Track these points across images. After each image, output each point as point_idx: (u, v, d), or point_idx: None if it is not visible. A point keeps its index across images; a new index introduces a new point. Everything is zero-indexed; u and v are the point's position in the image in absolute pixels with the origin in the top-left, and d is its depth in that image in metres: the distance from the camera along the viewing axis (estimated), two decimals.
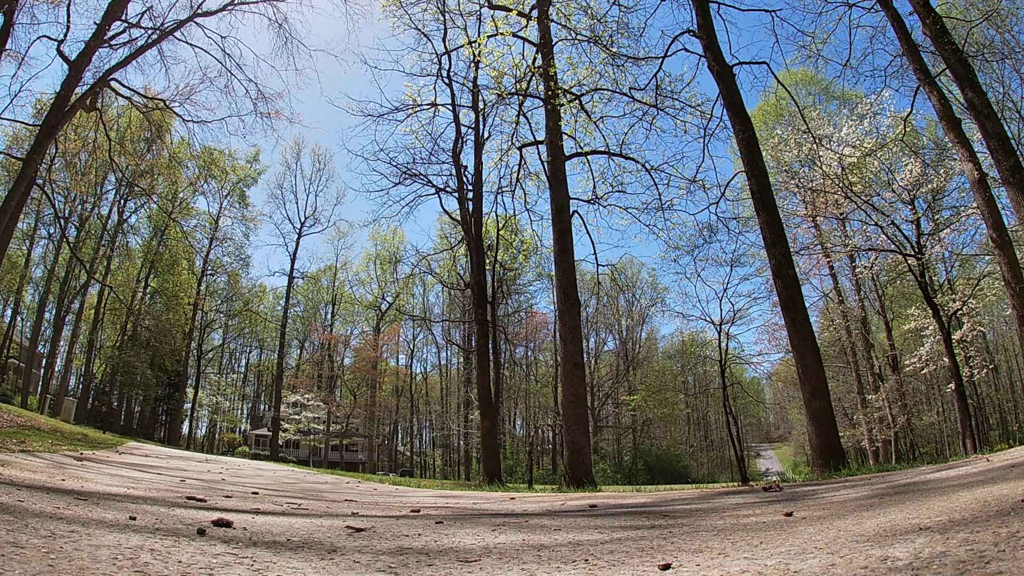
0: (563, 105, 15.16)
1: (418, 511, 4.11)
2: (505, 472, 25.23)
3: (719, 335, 9.90)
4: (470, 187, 19.11)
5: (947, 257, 20.70)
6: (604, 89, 15.62)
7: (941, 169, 16.34)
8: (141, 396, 42.60)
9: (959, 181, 16.65)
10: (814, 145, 16.52)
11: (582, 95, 15.78)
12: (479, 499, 6.51)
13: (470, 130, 19.58)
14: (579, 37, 15.06)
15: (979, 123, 10.01)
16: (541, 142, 16.63)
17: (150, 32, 16.75)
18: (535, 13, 15.02)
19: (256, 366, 61.39)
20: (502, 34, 15.02)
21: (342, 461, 46.97)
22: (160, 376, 41.46)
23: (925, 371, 22.42)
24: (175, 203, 38.06)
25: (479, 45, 15.41)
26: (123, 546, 1.70)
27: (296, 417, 43.04)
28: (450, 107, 19.00)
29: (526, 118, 17.46)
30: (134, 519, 2.34)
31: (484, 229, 19.26)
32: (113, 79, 16.56)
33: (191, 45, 17.77)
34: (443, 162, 19.48)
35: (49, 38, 15.98)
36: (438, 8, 17.06)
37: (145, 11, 16.61)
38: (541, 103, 15.68)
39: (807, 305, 10.83)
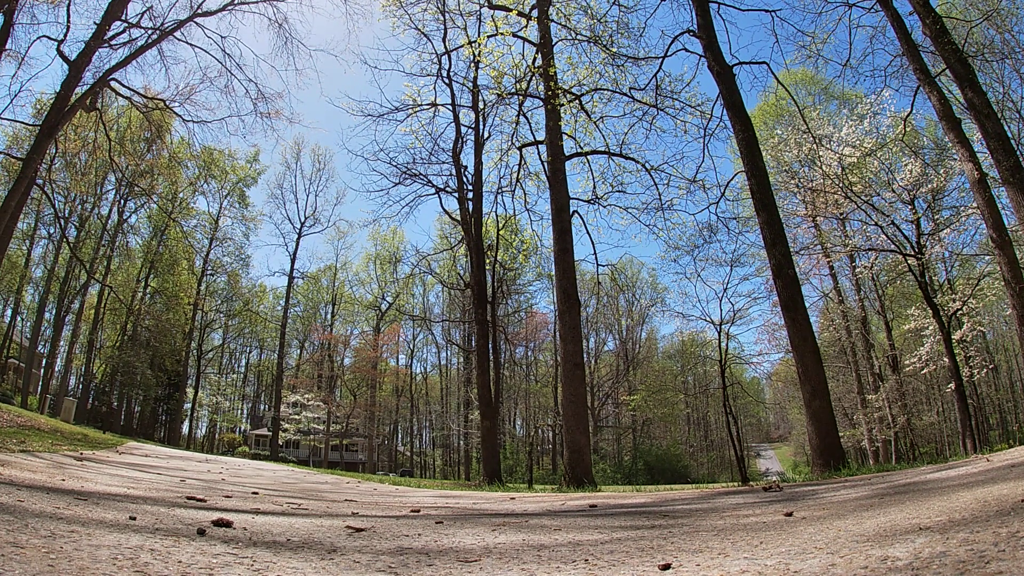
0: (563, 105, 15.16)
1: (418, 511, 4.11)
2: (505, 472, 25.23)
3: (719, 335, 9.91)
4: (470, 187, 19.11)
5: (947, 257, 20.74)
6: (604, 89, 15.63)
7: (941, 169, 16.34)
8: (141, 396, 42.60)
9: (959, 181, 16.66)
10: (814, 145, 16.51)
11: (582, 95, 15.78)
12: (479, 499, 6.51)
13: (470, 130, 19.60)
14: (579, 37, 15.07)
15: (979, 123, 10.01)
16: (541, 142, 16.63)
17: (150, 32, 16.75)
18: (535, 13, 15.02)
19: (256, 366, 61.40)
20: (502, 34, 15.01)
21: (342, 461, 46.97)
22: (160, 376, 41.46)
23: (925, 371, 22.41)
24: (175, 203, 38.05)
25: (479, 45, 15.40)
26: (123, 546, 1.69)
27: (296, 417, 43.04)
28: (450, 107, 19.01)
29: (526, 118, 17.48)
30: (134, 519, 2.34)
31: (484, 229, 19.26)
32: (113, 79, 16.56)
33: (191, 45, 17.79)
34: (443, 162, 19.49)
35: (49, 38, 15.99)
36: (438, 8, 17.07)
37: (145, 11, 16.62)
38: (541, 103, 15.68)
39: (807, 305, 10.83)
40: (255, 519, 2.84)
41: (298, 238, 43.89)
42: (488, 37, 15.62)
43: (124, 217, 37.23)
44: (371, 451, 50.36)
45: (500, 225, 20.65)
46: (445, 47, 17.83)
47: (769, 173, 11.97)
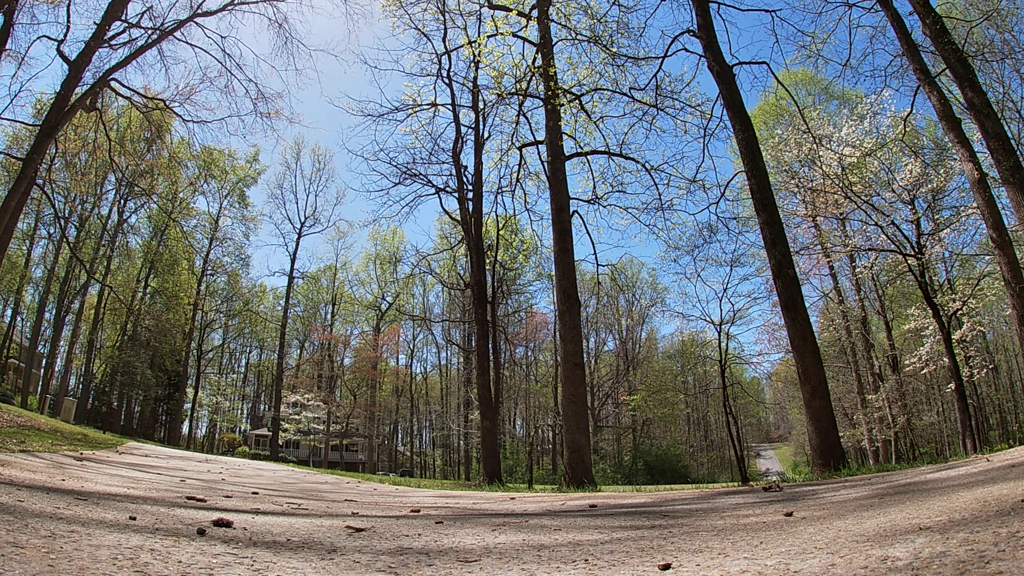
0: (563, 105, 15.16)
1: (418, 511, 4.11)
2: (505, 472, 25.23)
3: (719, 335, 9.90)
4: (470, 187, 19.12)
5: (947, 257, 20.74)
6: (604, 89, 15.64)
7: (941, 169, 16.33)
8: (141, 396, 42.59)
9: (959, 181, 16.66)
10: (814, 145, 16.51)
11: (582, 95, 15.78)
12: (479, 499, 6.51)
13: (470, 130, 19.61)
14: (579, 37, 15.07)
15: (979, 123, 10.01)
16: (541, 142, 16.62)
17: (150, 32, 16.75)
18: (535, 13, 15.02)
19: (256, 366, 61.40)
20: (502, 34, 15.01)
21: (342, 461, 46.98)
22: (160, 376, 41.45)
23: (925, 371, 22.41)
24: (175, 203, 38.05)
25: (479, 45, 15.40)
26: (123, 546, 1.69)
27: (296, 417, 43.04)
28: (450, 107, 19.02)
29: (526, 118, 17.49)
30: (134, 519, 2.34)
31: (484, 229, 19.27)
32: (113, 79, 16.56)
33: (191, 45, 17.79)
34: (443, 162, 19.51)
35: (49, 38, 15.99)
36: (438, 8, 17.07)
37: (145, 11, 16.62)
38: (541, 103, 15.68)
39: (807, 305, 10.83)
40: (255, 519, 2.84)
41: (298, 238, 43.96)
42: (488, 37, 15.63)
43: (124, 217, 37.26)
44: (371, 451, 50.36)
45: (500, 225, 20.66)
46: (445, 47, 17.85)
47: (769, 173, 11.98)
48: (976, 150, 11.24)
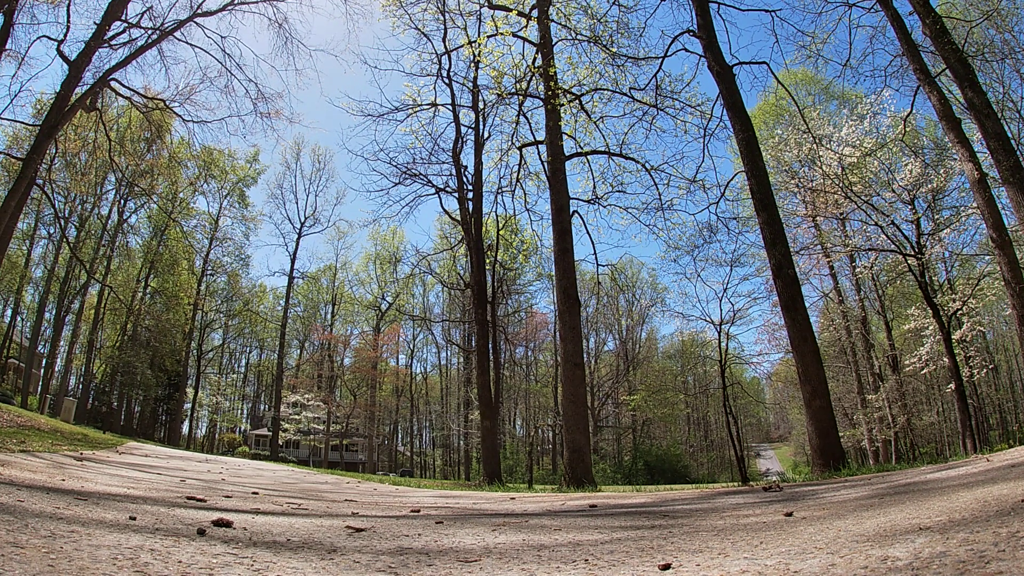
0: (563, 105, 15.15)
1: (418, 511, 4.11)
2: (505, 472, 25.23)
3: (719, 335, 9.90)
4: (470, 187, 19.12)
5: (947, 257, 20.74)
6: (604, 89, 15.63)
7: (941, 169, 16.33)
8: (141, 396, 42.60)
9: (959, 181, 16.66)
10: (814, 145, 16.51)
11: (582, 95, 15.77)
12: (479, 499, 6.51)
13: (470, 130, 19.61)
14: (579, 37, 15.07)
15: (979, 123, 10.01)
16: (541, 142, 16.62)
17: (150, 32, 16.75)
18: (535, 13, 15.02)
19: (256, 366, 61.40)
20: (502, 34, 15.01)
21: (342, 461, 46.97)
22: (160, 376, 41.45)
23: (925, 371, 22.41)
24: (175, 203, 38.05)
25: (479, 45, 15.40)
26: (123, 546, 1.70)
27: (296, 417, 43.04)
28: (450, 107, 19.02)
29: (526, 118, 17.48)
30: (134, 519, 2.34)
31: (484, 229, 19.27)
32: (113, 79, 16.56)
33: (191, 45, 17.79)
34: (443, 162, 19.51)
35: (49, 38, 15.99)
36: (438, 8, 17.07)
37: (145, 11, 16.62)
38: (541, 103, 15.68)
39: (807, 305, 10.83)
40: (255, 519, 2.84)
41: (298, 238, 43.97)
42: (488, 37, 15.63)
43: (124, 217, 37.26)
44: (371, 451, 50.36)
45: (500, 225, 20.65)
46: (445, 47, 17.85)
47: (769, 173, 11.97)
48: (976, 150, 11.24)
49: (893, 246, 15.89)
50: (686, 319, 14.26)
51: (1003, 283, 10.95)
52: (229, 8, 17.54)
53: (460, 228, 20.40)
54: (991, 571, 1.24)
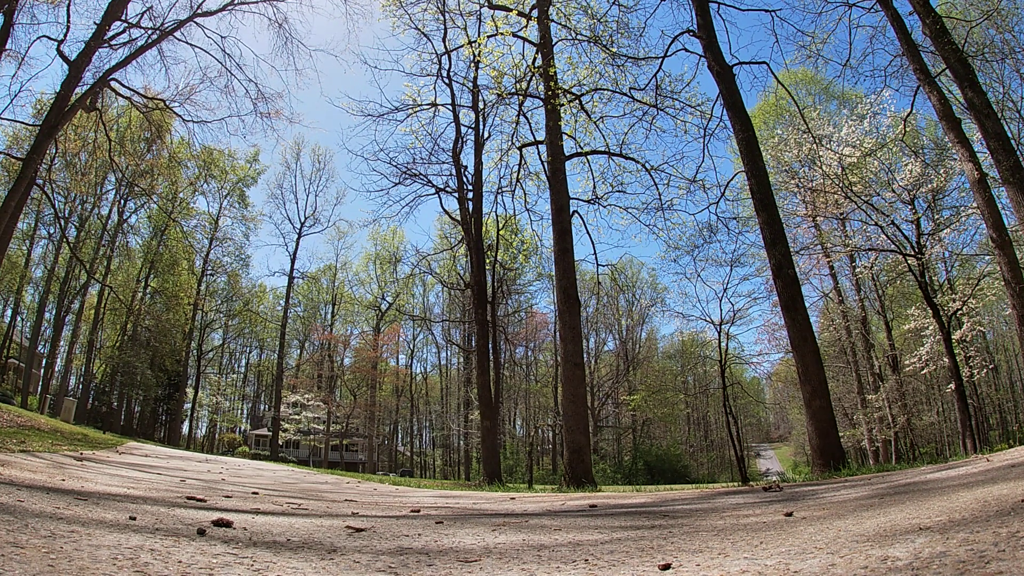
0: (563, 105, 15.15)
1: (418, 511, 4.11)
2: (505, 472, 25.23)
3: (719, 335, 9.90)
4: (470, 187, 19.12)
5: (947, 257, 20.73)
6: (604, 89, 15.63)
7: (941, 169, 16.33)
8: (141, 396, 42.60)
9: (959, 181, 16.66)
10: (814, 145, 16.51)
11: (582, 95, 15.77)
12: (479, 499, 6.51)
13: (470, 130, 19.61)
14: (579, 37, 15.06)
15: (979, 123, 10.01)
16: (541, 142, 16.62)
17: (150, 32, 16.75)
18: (535, 13, 15.01)
19: (256, 366, 61.40)
20: (502, 34, 15.00)
21: (342, 461, 46.97)
22: (160, 376, 41.45)
23: (925, 371, 22.41)
24: (175, 203, 38.05)
25: (479, 45, 15.40)
26: (123, 546, 1.70)
27: (296, 417, 43.05)
28: (450, 107, 19.02)
29: (526, 118, 17.48)
30: (134, 519, 2.34)
31: (484, 229, 19.27)
32: (113, 79, 16.56)
33: (191, 45, 17.79)
34: (443, 162, 19.51)
35: (49, 38, 15.99)
36: (438, 8, 17.07)
37: (145, 11, 16.62)
38: (541, 103, 15.68)
39: (807, 305, 10.83)
40: (255, 519, 2.84)
41: (298, 238, 43.97)
42: (488, 37, 15.63)
43: (124, 217, 37.26)
44: (371, 451, 50.36)
45: (500, 225, 20.66)
46: (445, 47, 17.85)
47: (769, 173, 11.97)
48: (976, 150, 11.24)
49: (893, 246, 15.89)
50: (686, 319, 14.29)
51: (1003, 283, 10.95)
52: (229, 8, 17.54)
53: (460, 228, 20.41)
54: (991, 571, 1.24)
